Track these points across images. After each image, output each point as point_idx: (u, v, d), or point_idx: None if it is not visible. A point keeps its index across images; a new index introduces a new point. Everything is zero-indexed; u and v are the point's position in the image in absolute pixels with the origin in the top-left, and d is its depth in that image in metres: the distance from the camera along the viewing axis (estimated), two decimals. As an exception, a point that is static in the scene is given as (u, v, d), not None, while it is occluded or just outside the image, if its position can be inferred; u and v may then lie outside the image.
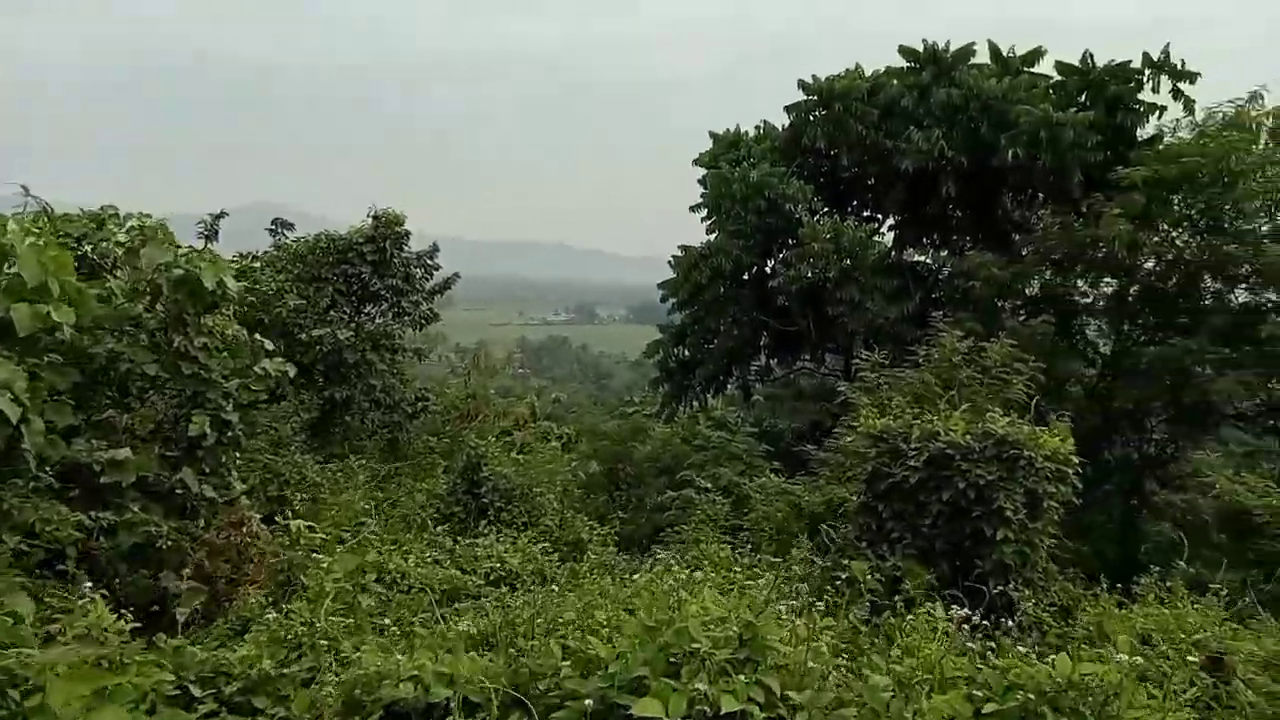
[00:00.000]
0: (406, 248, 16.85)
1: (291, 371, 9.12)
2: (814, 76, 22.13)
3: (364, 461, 14.16)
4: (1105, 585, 7.43)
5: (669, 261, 24.07)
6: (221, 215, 15.78)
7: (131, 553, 7.55)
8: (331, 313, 15.49)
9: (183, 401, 8.38)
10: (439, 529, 11.05)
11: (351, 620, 5.56)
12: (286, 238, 16.78)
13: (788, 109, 22.87)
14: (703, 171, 24.58)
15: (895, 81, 21.88)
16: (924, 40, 21.64)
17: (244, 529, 8.37)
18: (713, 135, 25.36)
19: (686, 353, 25.58)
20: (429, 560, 8.69)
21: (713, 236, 23.50)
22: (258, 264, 16.64)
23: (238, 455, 8.85)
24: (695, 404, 26.01)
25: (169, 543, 7.63)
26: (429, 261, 17.41)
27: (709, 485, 14.80)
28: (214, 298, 8.63)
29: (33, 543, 6.78)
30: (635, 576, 6.21)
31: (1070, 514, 19.05)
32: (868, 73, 22.54)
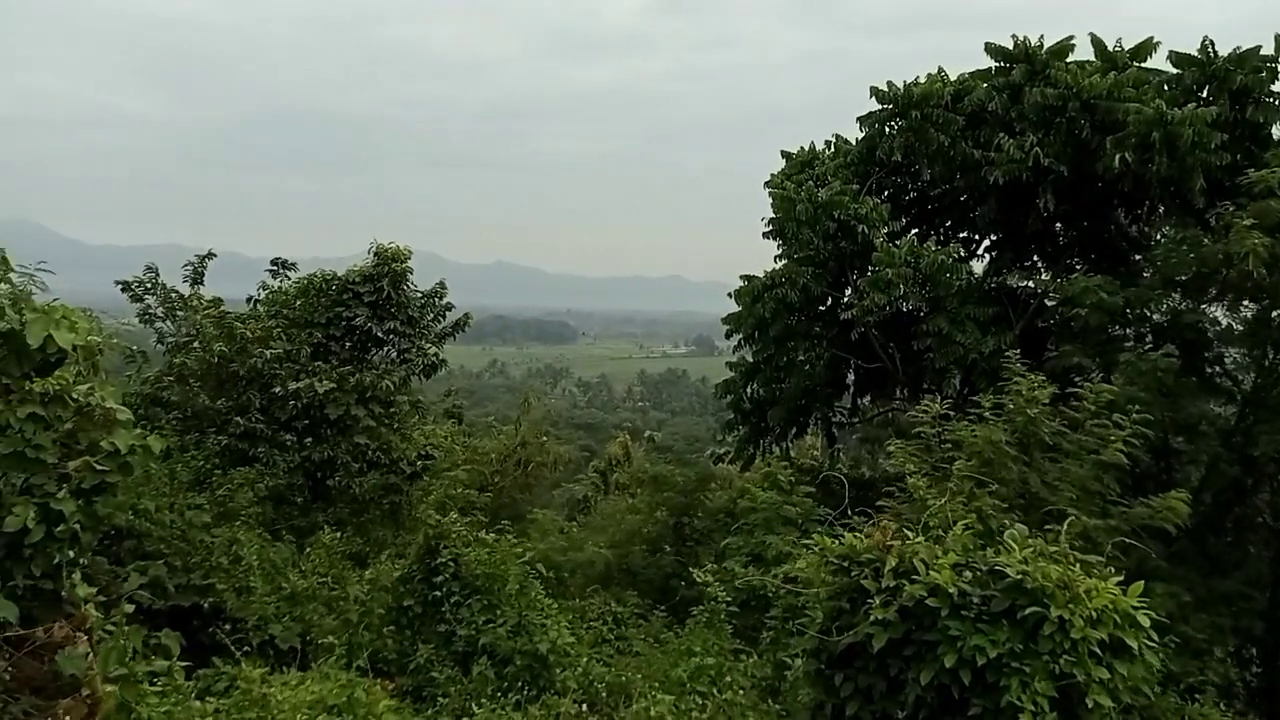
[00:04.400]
0: (411, 286, 15.09)
1: (157, 447, 7.34)
2: (889, 83, 19.67)
3: (342, 535, 12.35)
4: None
5: (729, 294, 21.82)
6: (210, 256, 14.43)
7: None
8: (317, 363, 13.79)
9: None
10: (386, 630, 9.16)
11: None
12: (289, 278, 15.25)
13: (860, 120, 20.45)
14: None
15: (983, 84, 19.23)
16: (1014, 36, 18.96)
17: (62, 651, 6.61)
18: (785, 155, 23.10)
19: (760, 392, 23.25)
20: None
21: (780, 264, 21.19)
22: (261, 307, 15.24)
23: (73, 553, 7.07)
24: (776, 447, 23.70)
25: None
26: (437, 301, 15.62)
27: (736, 566, 12.45)
28: (47, 356, 6.99)
29: None
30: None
31: (1205, 578, 15.96)
32: (953, 77, 19.94)
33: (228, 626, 9.24)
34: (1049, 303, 19.82)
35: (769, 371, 22.30)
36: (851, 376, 23.45)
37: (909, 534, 5.15)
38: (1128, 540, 9.35)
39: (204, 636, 9.25)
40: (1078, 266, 20.08)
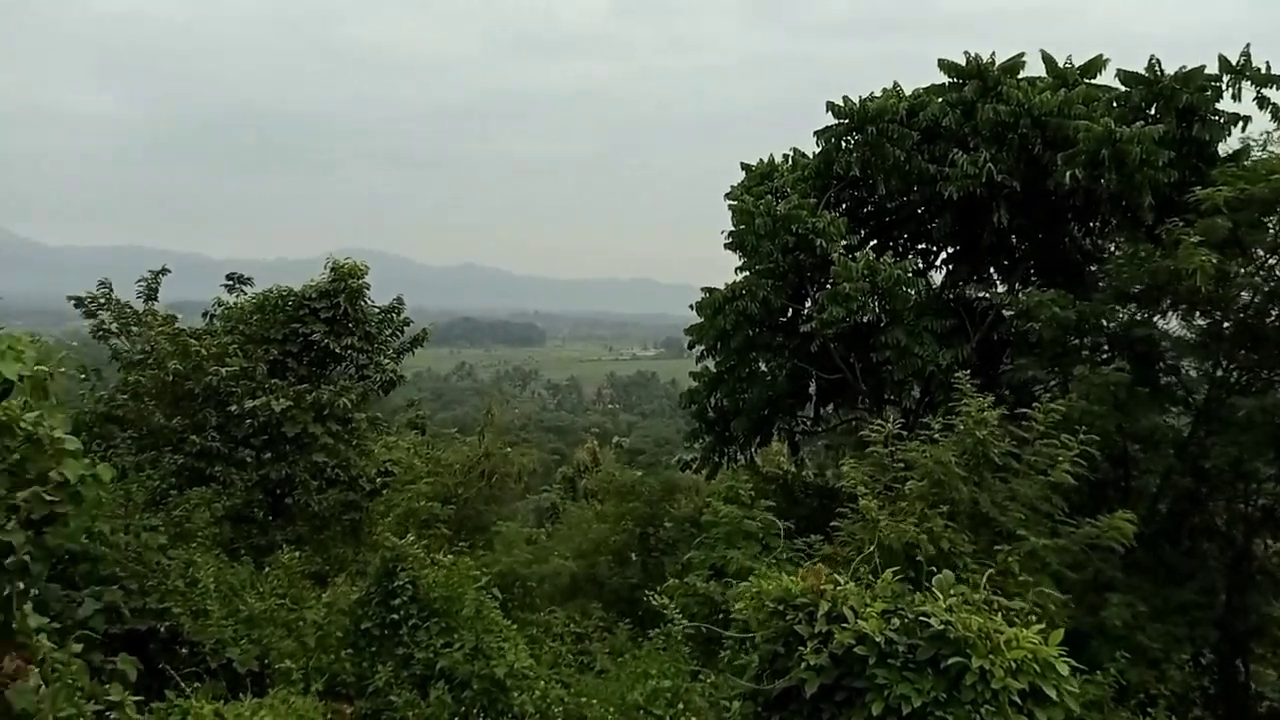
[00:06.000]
0: (369, 301, 15.06)
1: (107, 476, 7.34)
2: (845, 98, 19.89)
3: (301, 554, 12.31)
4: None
5: (691, 306, 21.96)
6: (164, 271, 14.35)
7: None
8: (274, 380, 13.75)
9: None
10: (344, 653, 9.17)
11: None
12: (244, 293, 15.17)
13: (817, 134, 20.64)
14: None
15: (938, 100, 19.49)
16: (966, 53, 19.22)
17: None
18: (744, 166, 23.27)
19: (724, 401, 23.37)
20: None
21: (741, 276, 21.35)
22: (217, 322, 15.16)
23: (23, 584, 7.05)
24: (741, 456, 23.86)
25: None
26: (395, 316, 15.60)
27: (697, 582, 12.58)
28: (-5, 385, 6.98)
29: None
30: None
31: (1160, 587, 16.19)
32: (908, 92, 20.19)
33: (185, 650, 9.21)
34: (1005, 314, 20.09)
35: (732, 382, 22.42)
36: (813, 387, 23.63)
37: (840, 579, 5.24)
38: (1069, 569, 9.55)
39: (160, 661, 9.21)
40: (1033, 279, 20.35)
